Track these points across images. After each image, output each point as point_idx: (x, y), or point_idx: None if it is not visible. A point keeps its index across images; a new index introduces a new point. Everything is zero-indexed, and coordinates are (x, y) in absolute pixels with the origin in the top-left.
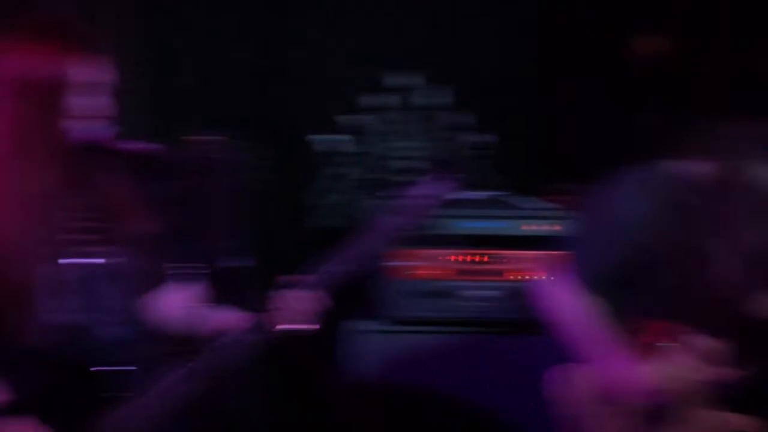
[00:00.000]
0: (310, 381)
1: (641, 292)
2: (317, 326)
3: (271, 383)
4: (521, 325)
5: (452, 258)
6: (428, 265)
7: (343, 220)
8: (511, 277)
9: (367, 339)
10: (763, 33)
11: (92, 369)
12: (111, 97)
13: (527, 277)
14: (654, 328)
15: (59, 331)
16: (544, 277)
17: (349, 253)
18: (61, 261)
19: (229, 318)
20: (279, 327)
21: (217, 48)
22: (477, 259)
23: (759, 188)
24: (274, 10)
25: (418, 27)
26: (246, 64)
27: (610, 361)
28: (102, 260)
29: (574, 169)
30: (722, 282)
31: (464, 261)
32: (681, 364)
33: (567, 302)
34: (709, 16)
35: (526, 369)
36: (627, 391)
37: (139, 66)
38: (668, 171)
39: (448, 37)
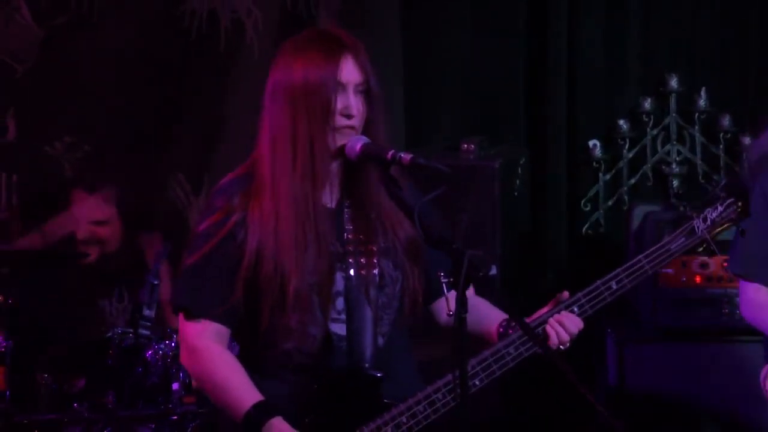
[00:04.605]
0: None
1: None
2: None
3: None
4: None
5: (726, 265)
6: (698, 272)
7: (617, 228)
8: None
9: (632, 349)
10: None
11: (352, 377)
12: (376, 103)
13: None
14: None
15: (324, 340)
16: None
17: (625, 272)
18: (334, 272)
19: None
20: (548, 346)
21: (479, 51)
22: None
23: None
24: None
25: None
26: (511, 65)
27: None
28: (373, 271)
29: None
30: None
31: None
32: None
33: None
34: None
35: None
36: None
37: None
38: None
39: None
